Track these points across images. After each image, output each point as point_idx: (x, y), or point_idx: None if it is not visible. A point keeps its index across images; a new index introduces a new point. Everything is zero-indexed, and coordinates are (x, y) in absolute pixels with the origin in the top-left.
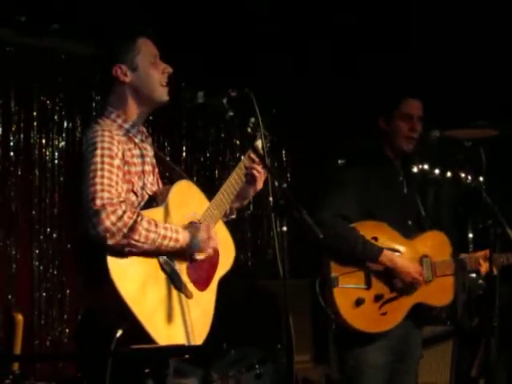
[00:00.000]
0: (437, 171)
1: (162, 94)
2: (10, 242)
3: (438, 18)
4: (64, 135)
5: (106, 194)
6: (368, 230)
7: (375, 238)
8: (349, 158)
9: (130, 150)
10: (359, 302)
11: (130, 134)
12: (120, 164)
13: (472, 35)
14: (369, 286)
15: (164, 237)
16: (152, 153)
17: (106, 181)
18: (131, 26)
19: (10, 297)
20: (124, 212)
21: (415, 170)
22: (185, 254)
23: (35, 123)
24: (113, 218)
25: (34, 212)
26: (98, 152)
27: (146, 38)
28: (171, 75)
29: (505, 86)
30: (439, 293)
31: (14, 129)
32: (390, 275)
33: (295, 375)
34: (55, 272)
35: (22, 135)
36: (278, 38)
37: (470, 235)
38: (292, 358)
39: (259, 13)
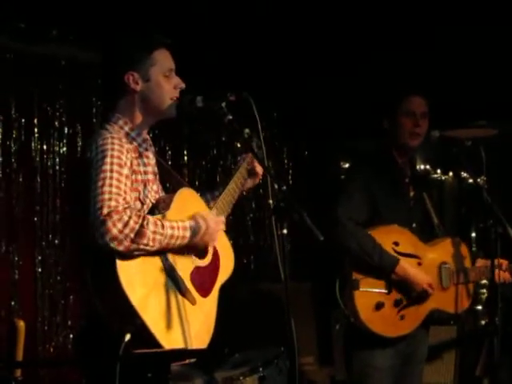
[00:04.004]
0: (438, 172)
1: (171, 108)
2: (12, 249)
3: (439, 18)
4: (65, 141)
5: (113, 203)
6: (390, 234)
7: (396, 243)
8: (354, 161)
9: (136, 158)
10: (379, 306)
11: (136, 143)
12: (128, 173)
13: (471, 35)
14: (389, 290)
15: (171, 236)
16: (154, 161)
17: (114, 189)
18: (151, 34)
19: (13, 303)
20: (130, 218)
21: (419, 171)
22: (195, 247)
23: (36, 130)
24: (119, 225)
25: (36, 218)
26: (108, 160)
27: (165, 50)
28: (183, 91)
29: (504, 85)
30: (456, 300)
31: (14, 135)
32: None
33: (300, 377)
34: (58, 278)
35: (22, 142)
36: (278, 40)
37: (473, 235)
38: (295, 360)
39: (259, 14)
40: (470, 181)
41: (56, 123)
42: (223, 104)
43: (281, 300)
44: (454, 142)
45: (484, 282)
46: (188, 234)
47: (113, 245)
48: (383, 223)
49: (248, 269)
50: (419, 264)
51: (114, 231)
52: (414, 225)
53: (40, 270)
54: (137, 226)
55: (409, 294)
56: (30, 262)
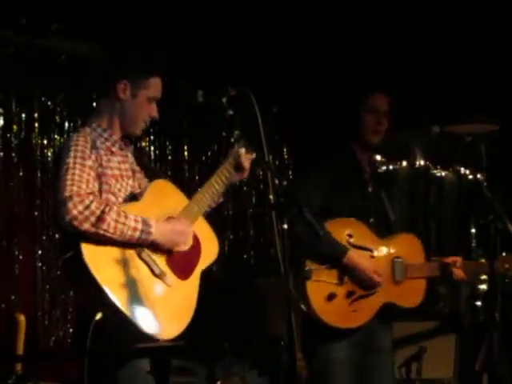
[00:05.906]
0: (438, 167)
1: (139, 129)
2: (12, 244)
3: (437, 13)
4: (65, 136)
5: (74, 188)
6: (345, 227)
7: (350, 235)
8: (314, 153)
9: (106, 155)
10: (331, 297)
11: (108, 143)
12: (93, 165)
13: (471, 29)
14: (341, 281)
15: (134, 229)
16: (132, 159)
17: (76, 177)
18: (157, 58)
19: (13, 298)
20: (91, 202)
21: (383, 169)
22: (160, 246)
23: (36, 124)
24: (80, 207)
25: (36, 213)
26: (71, 154)
27: (159, 79)
28: (154, 120)
29: (505, 80)
30: (409, 295)
31: (15, 130)
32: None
33: (299, 372)
34: (58, 272)
35: (23, 136)
36: (279, 34)
37: (473, 230)
38: (294, 355)
39: (260, 8)
40: (470, 177)
41: (56, 117)
42: (224, 99)
43: (281, 295)
44: (454, 138)
45: (484, 277)
46: (153, 230)
47: (74, 224)
48: (337, 216)
49: (248, 264)
50: (372, 257)
51: (74, 212)
52: (371, 220)
53: (40, 264)
54: (98, 211)
55: (359, 284)
56: (30, 256)
